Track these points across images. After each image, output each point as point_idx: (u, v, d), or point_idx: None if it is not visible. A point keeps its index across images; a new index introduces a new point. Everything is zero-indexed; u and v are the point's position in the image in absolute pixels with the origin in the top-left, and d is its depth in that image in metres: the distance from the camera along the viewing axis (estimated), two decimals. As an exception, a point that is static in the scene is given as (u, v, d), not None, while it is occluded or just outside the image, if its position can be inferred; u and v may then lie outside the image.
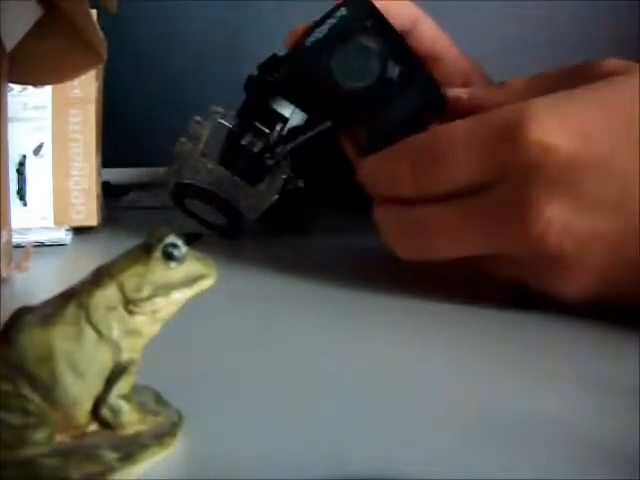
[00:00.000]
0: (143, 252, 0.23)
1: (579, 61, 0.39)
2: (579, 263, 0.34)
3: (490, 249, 0.36)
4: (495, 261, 0.37)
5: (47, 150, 0.51)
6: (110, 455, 0.22)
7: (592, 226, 0.33)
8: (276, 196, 0.51)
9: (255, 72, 0.54)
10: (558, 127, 0.33)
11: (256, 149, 0.50)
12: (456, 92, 0.41)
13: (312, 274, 0.43)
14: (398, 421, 0.26)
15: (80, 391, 0.22)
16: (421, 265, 0.40)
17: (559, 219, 0.33)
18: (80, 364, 0.22)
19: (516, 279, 0.37)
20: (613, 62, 0.37)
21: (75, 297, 0.23)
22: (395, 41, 0.42)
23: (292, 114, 0.51)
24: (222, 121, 0.52)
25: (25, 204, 0.50)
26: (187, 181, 0.51)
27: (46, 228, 0.51)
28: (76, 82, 0.50)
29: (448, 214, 0.36)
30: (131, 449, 0.22)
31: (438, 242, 0.37)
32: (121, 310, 0.23)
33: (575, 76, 0.36)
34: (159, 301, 0.23)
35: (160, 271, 0.23)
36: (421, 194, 0.37)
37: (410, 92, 0.42)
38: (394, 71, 0.41)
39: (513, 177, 0.34)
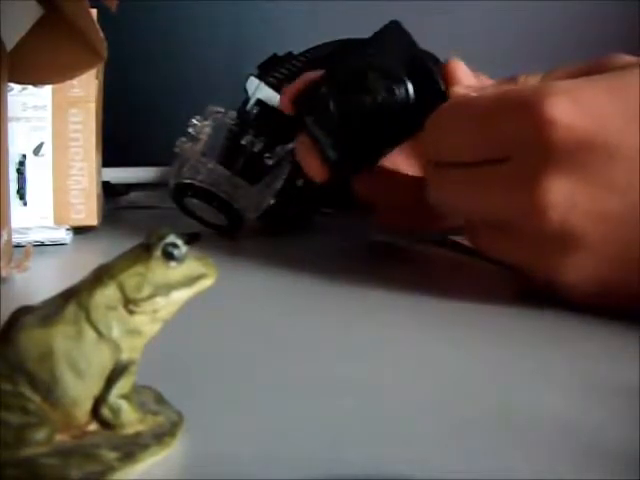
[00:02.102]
0: (143, 252, 0.23)
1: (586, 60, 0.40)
2: (584, 243, 0.34)
3: (501, 216, 0.37)
4: (503, 240, 0.37)
5: (47, 150, 0.51)
6: (110, 455, 0.22)
7: (599, 206, 0.34)
8: (275, 196, 0.51)
9: (255, 72, 0.54)
10: (572, 108, 0.34)
11: (256, 149, 0.50)
12: (466, 90, 0.42)
13: (312, 274, 0.43)
14: (398, 421, 0.26)
15: (80, 391, 0.22)
16: (421, 264, 0.39)
17: (564, 196, 0.34)
18: (80, 364, 0.22)
19: (521, 263, 0.38)
20: (627, 58, 0.38)
21: (75, 297, 0.23)
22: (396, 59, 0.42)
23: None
24: (222, 121, 0.52)
25: (25, 204, 0.50)
26: (187, 181, 0.51)
27: (46, 228, 0.51)
28: (76, 82, 0.50)
29: (468, 178, 0.38)
30: (131, 449, 0.22)
31: (460, 200, 0.39)
32: (121, 310, 0.23)
33: (588, 72, 0.37)
34: (159, 301, 0.23)
35: (160, 271, 0.23)
36: (445, 160, 0.39)
37: (419, 99, 0.42)
38: (401, 90, 0.42)
39: (525, 152, 0.35)
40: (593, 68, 0.38)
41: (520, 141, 0.35)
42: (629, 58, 0.38)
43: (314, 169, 0.44)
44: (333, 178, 0.44)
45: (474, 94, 0.41)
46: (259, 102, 0.52)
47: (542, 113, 0.34)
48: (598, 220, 0.34)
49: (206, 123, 0.52)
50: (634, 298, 0.34)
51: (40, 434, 0.22)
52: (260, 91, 0.52)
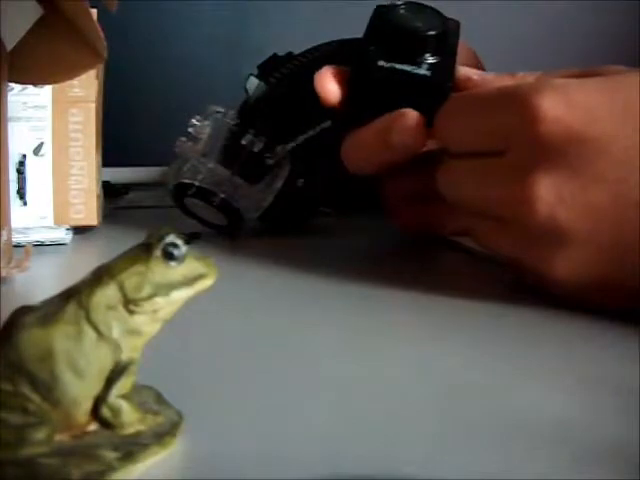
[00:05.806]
0: (143, 251, 0.23)
1: (582, 65, 0.41)
2: (572, 237, 0.34)
3: (496, 209, 0.37)
4: (498, 233, 0.38)
5: (47, 149, 0.51)
6: (110, 455, 0.22)
7: (587, 200, 0.34)
8: (275, 196, 0.51)
9: (255, 72, 0.54)
10: (564, 104, 0.34)
11: (256, 149, 0.50)
12: (468, 72, 0.43)
13: (312, 274, 0.43)
14: (398, 421, 0.26)
15: (80, 390, 0.22)
16: (422, 264, 0.39)
17: (552, 190, 0.34)
18: (80, 363, 0.22)
19: (514, 257, 0.38)
20: (621, 68, 0.39)
21: (75, 296, 0.23)
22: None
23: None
24: (222, 121, 0.52)
25: (25, 204, 0.50)
26: (187, 181, 0.51)
27: (46, 227, 0.51)
28: (76, 81, 0.50)
29: (469, 169, 0.39)
30: (131, 449, 0.22)
31: (461, 190, 0.40)
32: (121, 310, 0.23)
33: (584, 76, 0.38)
34: (159, 300, 0.23)
35: (160, 270, 0.23)
36: (451, 150, 0.40)
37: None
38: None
39: (518, 146, 0.36)
40: (589, 73, 0.38)
41: (514, 135, 0.36)
42: (623, 69, 0.39)
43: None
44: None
45: (475, 77, 0.43)
46: (259, 101, 0.52)
47: (531, 107, 0.35)
48: (586, 214, 0.34)
49: (206, 123, 0.52)
50: (625, 293, 0.35)
51: (40, 434, 0.22)
52: (260, 91, 0.52)
